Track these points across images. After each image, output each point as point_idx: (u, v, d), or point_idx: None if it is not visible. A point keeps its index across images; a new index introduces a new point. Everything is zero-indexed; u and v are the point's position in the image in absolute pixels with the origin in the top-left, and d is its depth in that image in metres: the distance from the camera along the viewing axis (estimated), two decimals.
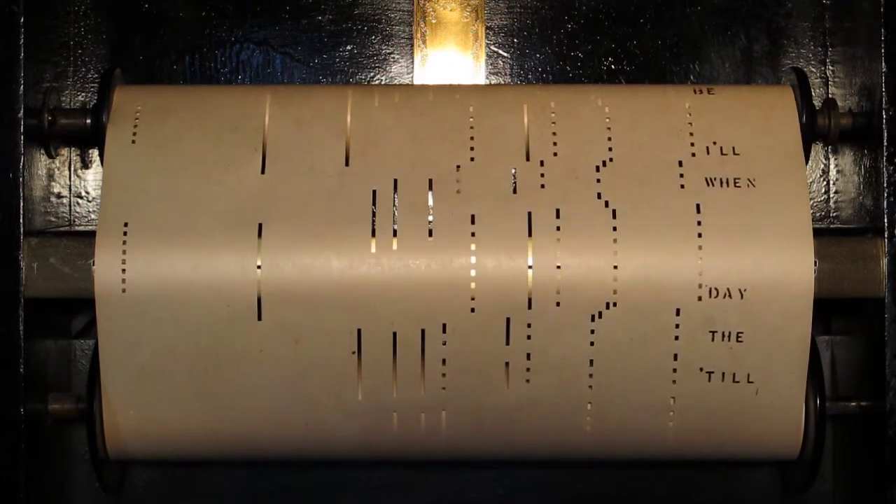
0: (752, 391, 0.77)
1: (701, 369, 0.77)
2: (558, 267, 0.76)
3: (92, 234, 0.77)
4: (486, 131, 0.78)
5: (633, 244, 0.76)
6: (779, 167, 0.78)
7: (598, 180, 0.77)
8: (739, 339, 0.76)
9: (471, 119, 0.79)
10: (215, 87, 0.85)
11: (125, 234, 0.76)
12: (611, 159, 0.78)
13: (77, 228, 0.87)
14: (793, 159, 0.78)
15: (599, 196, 0.77)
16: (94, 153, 0.87)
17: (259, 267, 0.76)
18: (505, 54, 0.89)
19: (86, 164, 0.87)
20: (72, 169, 0.87)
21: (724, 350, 0.77)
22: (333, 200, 0.77)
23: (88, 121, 0.80)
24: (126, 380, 0.77)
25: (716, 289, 0.76)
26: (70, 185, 0.87)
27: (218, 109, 0.79)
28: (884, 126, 0.77)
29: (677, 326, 0.77)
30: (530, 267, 0.76)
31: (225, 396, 0.77)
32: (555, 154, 0.78)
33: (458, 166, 0.77)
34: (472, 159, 0.78)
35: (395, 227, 0.77)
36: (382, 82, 0.89)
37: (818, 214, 0.88)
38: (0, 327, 0.75)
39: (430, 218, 0.77)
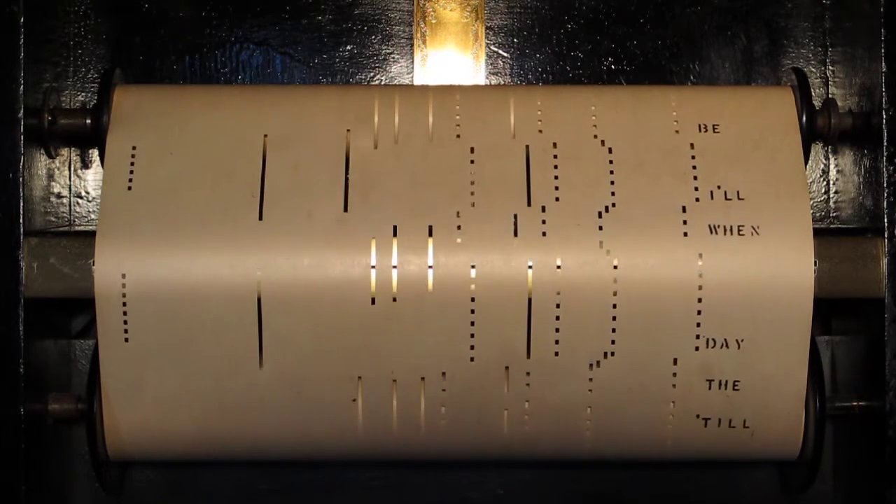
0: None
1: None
2: (557, 318, 0.76)
3: (92, 234, 0.77)
4: (487, 175, 0.77)
5: (633, 294, 0.76)
6: (784, 213, 0.77)
7: (601, 227, 0.77)
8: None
9: (472, 163, 0.78)
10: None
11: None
12: (613, 205, 0.77)
13: (77, 228, 0.87)
14: (798, 202, 0.77)
15: (601, 245, 0.76)
16: (94, 153, 0.87)
17: (260, 311, 0.76)
18: (505, 54, 0.89)
19: (86, 164, 0.87)
20: (72, 169, 0.87)
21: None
22: (333, 249, 0.76)
23: (88, 121, 0.80)
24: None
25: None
26: (70, 185, 0.87)
27: (215, 151, 0.78)
28: (884, 126, 0.77)
29: (675, 372, 0.77)
30: (529, 316, 0.77)
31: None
32: (556, 199, 0.77)
33: (459, 212, 0.77)
34: (472, 205, 0.77)
35: (395, 276, 0.76)
36: (382, 82, 0.89)
37: (818, 214, 0.88)
38: (0, 327, 0.75)
39: (430, 265, 0.76)
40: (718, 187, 0.77)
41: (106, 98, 0.80)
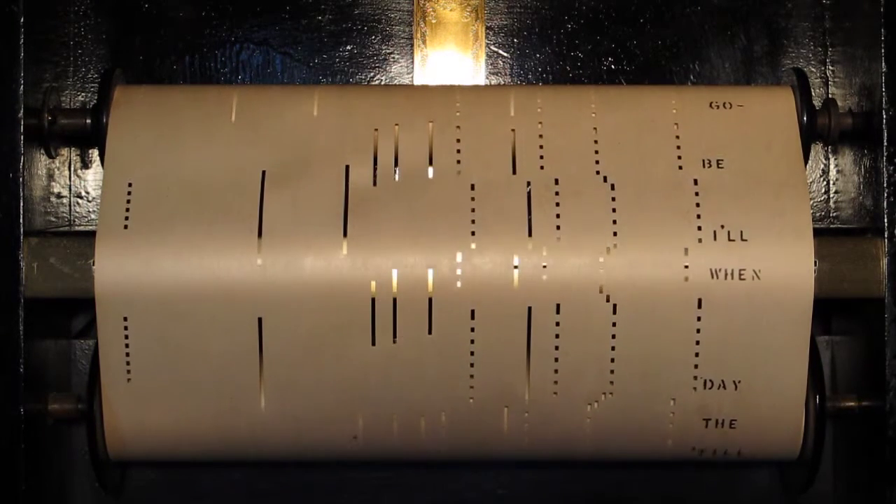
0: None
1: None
2: (556, 360, 0.77)
3: (92, 234, 0.77)
4: (488, 213, 0.77)
5: (631, 334, 0.76)
6: (787, 257, 0.76)
7: (602, 271, 0.76)
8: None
9: (472, 199, 0.77)
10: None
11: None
12: (615, 245, 0.76)
13: (77, 228, 0.87)
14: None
15: (601, 289, 0.76)
16: (94, 153, 0.87)
17: (261, 351, 0.76)
18: (505, 54, 0.89)
19: (86, 164, 0.87)
20: (72, 169, 0.87)
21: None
22: (332, 290, 0.76)
23: (88, 121, 0.80)
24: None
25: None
26: (70, 185, 0.87)
27: (213, 187, 0.77)
28: (884, 126, 0.77)
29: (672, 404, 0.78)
30: (529, 358, 0.77)
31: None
32: (558, 239, 0.76)
33: (459, 253, 0.76)
34: (472, 245, 0.76)
35: (396, 321, 0.76)
36: (382, 82, 0.89)
37: (818, 214, 0.88)
38: (0, 327, 0.75)
39: (430, 308, 0.76)
40: (722, 227, 0.76)
41: (106, 98, 0.80)
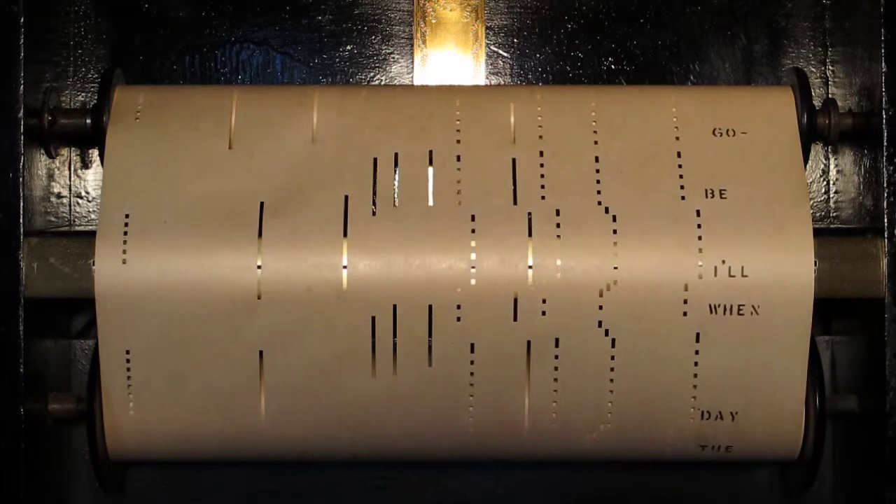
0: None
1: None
2: (555, 391, 0.77)
3: (92, 234, 0.77)
4: (488, 247, 0.76)
5: (630, 367, 0.77)
6: (785, 298, 0.76)
7: (601, 307, 0.76)
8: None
9: (472, 232, 0.76)
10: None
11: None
12: (615, 282, 0.76)
13: (77, 228, 0.87)
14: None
15: (600, 324, 0.76)
16: (94, 153, 0.87)
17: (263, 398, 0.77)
18: (505, 54, 0.89)
19: (86, 164, 0.87)
20: (72, 169, 0.87)
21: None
22: (333, 326, 0.76)
23: (88, 121, 0.80)
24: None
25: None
26: (70, 185, 0.87)
27: (211, 221, 0.76)
28: (884, 126, 0.77)
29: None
30: (528, 391, 0.77)
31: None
32: (557, 274, 0.76)
33: (459, 290, 0.76)
34: (472, 282, 0.76)
35: (396, 353, 0.77)
36: (382, 82, 0.89)
37: (818, 214, 0.88)
38: (0, 327, 0.75)
39: (430, 341, 0.77)
40: (723, 262, 0.76)
41: (106, 98, 0.80)
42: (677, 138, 0.78)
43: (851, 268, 0.78)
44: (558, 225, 0.76)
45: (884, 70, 0.77)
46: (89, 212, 0.87)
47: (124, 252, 0.76)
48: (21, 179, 0.75)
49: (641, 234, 0.76)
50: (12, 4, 0.75)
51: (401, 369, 0.77)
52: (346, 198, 0.77)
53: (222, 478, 0.89)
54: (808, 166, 0.82)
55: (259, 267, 0.75)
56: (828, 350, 0.86)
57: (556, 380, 0.77)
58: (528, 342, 0.76)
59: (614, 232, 0.76)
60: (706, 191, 0.77)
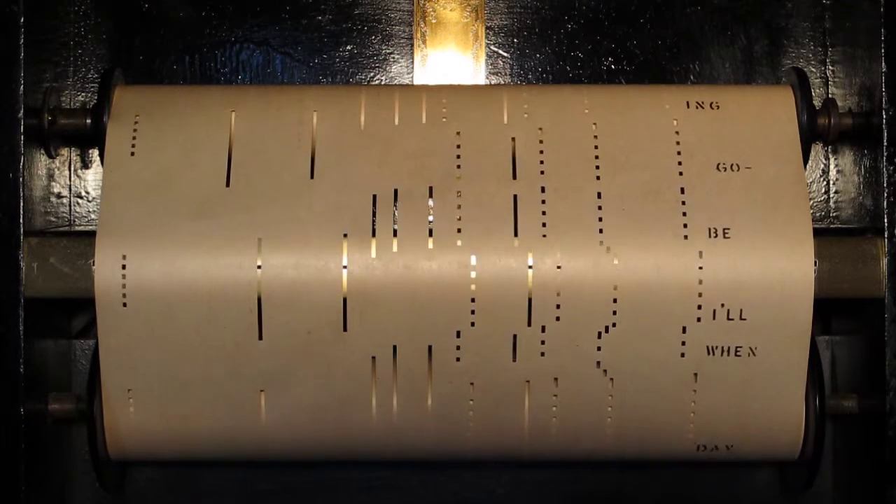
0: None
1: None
2: (553, 429, 0.78)
3: (92, 234, 0.77)
4: (488, 292, 0.75)
5: (627, 405, 0.77)
6: (783, 337, 0.76)
7: (599, 348, 0.76)
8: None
9: (472, 277, 0.76)
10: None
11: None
12: (614, 324, 0.76)
13: (77, 228, 0.87)
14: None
15: (599, 364, 0.76)
16: (94, 153, 0.87)
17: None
18: (505, 54, 0.89)
19: (86, 164, 0.87)
20: (72, 169, 0.87)
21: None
22: (333, 369, 0.76)
23: (88, 121, 0.80)
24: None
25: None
26: (70, 185, 0.87)
27: (211, 270, 0.76)
28: (884, 126, 0.77)
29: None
30: (526, 427, 0.78)
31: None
32: (557, 319, 0.76)
33: (458, 332, 0.76)
34: (472, 324, 0.76)
35: (396, 392, 0.77)
36: (382, 82, 0.89)
37: (818, 214, 0.88)
38: (0, 327, 0.75)
39: (430, 381, 0.77)
40: (722, 305, 0.76)
41: (106, 98, 0.80)
42: (681, 173, 0.77)
43: (851, 268, 0.78)
44: (559, 267, 0.76)
45: (884, 70, 0.77)
46: (89, 212, 0.87)
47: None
48: (21, 179, 0.75)
49: (641, 276, 0.75)
50: (12, 4, 0.75)
51: (400, 408, 0.77)
52: (345, 236, 0.76)
53: (222, 478, 0.89)
54: (808, 166, 0.82)
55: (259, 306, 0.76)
56: (828, 350, 0.86)
57: (554, 418, 0.78)
58: (528, 381, 0.77)
59: (614, 273, 0.76)
60: (709, 230, 0.76)
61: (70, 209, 0.87)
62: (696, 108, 0.79)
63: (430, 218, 0.76)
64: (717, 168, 0.77)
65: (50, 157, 0.81)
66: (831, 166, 0.88)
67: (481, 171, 0.77)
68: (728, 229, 0.76)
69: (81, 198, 0.88)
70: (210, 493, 0.89)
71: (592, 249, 0.75)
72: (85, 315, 0.85)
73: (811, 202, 0.84)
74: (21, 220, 0.75)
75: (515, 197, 0.76)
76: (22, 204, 0.75)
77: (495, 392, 0.77)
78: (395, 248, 0.76)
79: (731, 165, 0.77)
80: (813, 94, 0.81)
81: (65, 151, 0.85)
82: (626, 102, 0.80)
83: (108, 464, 0.81)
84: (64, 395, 0.81)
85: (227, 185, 0.77)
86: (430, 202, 0.77)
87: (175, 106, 0.79)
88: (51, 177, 0.82)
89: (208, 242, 0.75)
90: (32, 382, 0.77)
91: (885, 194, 0.77)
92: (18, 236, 0.75)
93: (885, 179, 0.77)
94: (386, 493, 0.89)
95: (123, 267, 0.76)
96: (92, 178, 0.88)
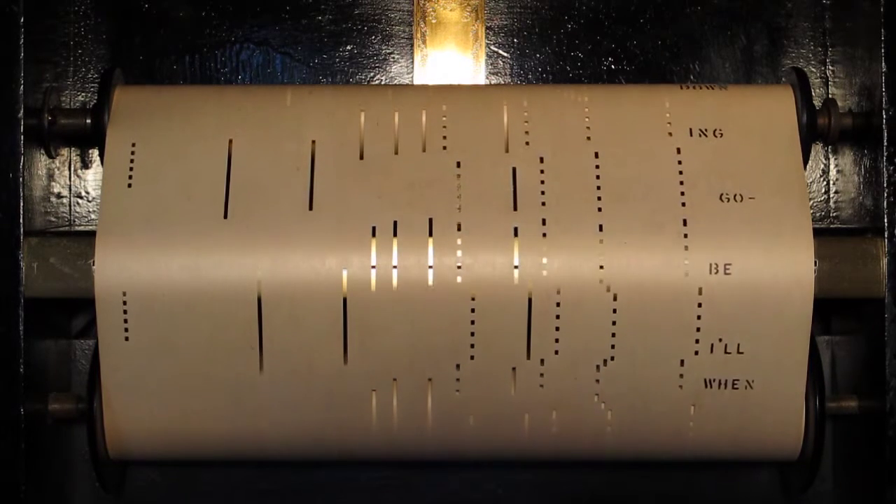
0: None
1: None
2: (553, 456, 0.79)
3: (92, 234, 0.77)
4: (488, 325, 0.75)
5: (625, 433, 0.78)
6: (779, 366, 0.77)
7: (598, 380, 0.77)
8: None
9: (472, 311, 0.76)
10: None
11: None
12: (612, 358, 0.76)
13: (77, 228, 0.87)
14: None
15: (597, 396, 0.77)
16: (94, 153, 0.87)
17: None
18: (505, 54, 0.89)
19: (86, 164, 0.87)
20: (72, 169, 0.87)
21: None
22: (334, 401, 0.77)
23: (88, 121, 0.80)
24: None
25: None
26: (70, 185, 0.87)
27: (211, 303, 0.76)
28: (884, 126, 0.77)
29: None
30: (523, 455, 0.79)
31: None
32: (556, 352, 0.76)
33: (458, 365, 0.76)
34: (472, 357, 0.76)
35: (395, 418, 0.77)
36: (382, 82, 0.89)
37: (818, 214, 0.88)
38: (0, 327, 0.75)
39: (430, 411, 0.77)
40: (720, 340, 0.76)
41: (106, 98, 0.80)
42: (683, 204, 0.77)
43: (851, 268, 0.78)
44: (558, 304, 0.75)
45: (884, 70, 0.77)
46: (89, 212, 0.87)
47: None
48: (21, 179, 0.75)
49: (640, 312, 0.75)
50: (12, 4, 0.75)
51: (399, 429, 0.78)
52: (345, 272, 0.76)
53: (222, 478, 0.89)
54: (808, 166, 0.82)
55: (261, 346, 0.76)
56: (828, 350, 0.86)
57: (552, 444, 0.78)
58: (526, 413, 0.77)
59: (614, 311, 0.76)
60: (710, 265, 0.75)
61: (70, 209, 0.87)
62: (700, 136, 0.78)
63: (430, 250, 0.76)
64: (721, 199, 0.76)
65: (50, 157, 0.81)
66: (831, 166, 0.88)
67: (482, 203, 0.76)
68: (729, 265, 0.75)
69: (81, 198, 0.88)
70: (210, 493, 0.89)
71: (592, 284, 0.75)
72: (85, 315, 0.85)
73: (811, 202, 0.84)
74: (21, 220, 0.75)
75: (516, 229, 0.76)
76: (22, 204, 0.75)
77: (494, 422, 0.78)
78: (394, 282, 0.75)
79: (735, 196, 0.76)
80: (813, 94, 0.81)
81: (65, 151, 0.85)
82: (628, 128, 0.79)
83: (108, 464, 0.81)
84: (64, 395, 0.81)
85: (225, 217, 0.76)
86: (430, 234, 0.76)
87: (172, 132, 0.78)
88: (51, 177, 0.82)
89: (206, 278, 0.75)
90: (32, 382, 0.77)
91: (885, 194, 0.77)
92: (18, 236, 0.75)
93: (885, 179, 0.77)
94: (386, 493, 0.89)
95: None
96: (92, 178, 0.88)
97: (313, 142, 0.78)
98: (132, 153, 0.78)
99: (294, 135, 0.78)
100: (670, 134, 0.78)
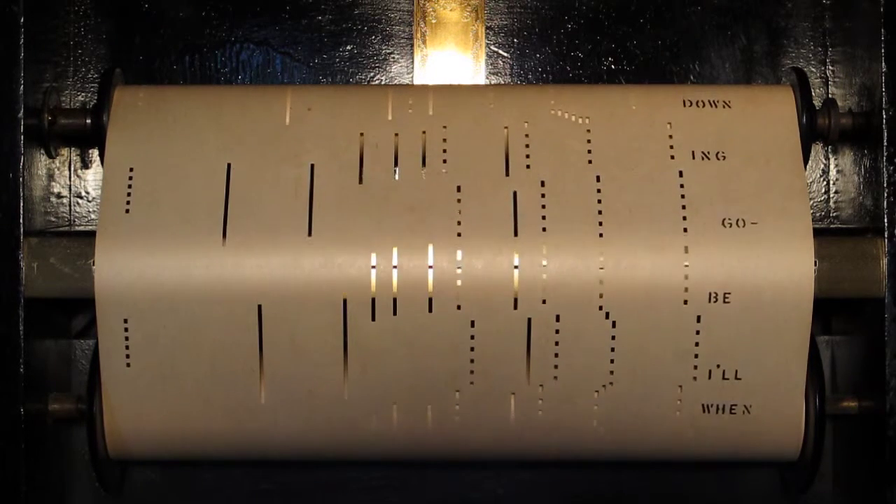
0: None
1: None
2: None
3: (92, 234, 0.77)
4: (487, 351, 0.76)
5: (622, 453, 0.79)
6: (777, 390, 0.77)
7: (596, 406, 0.77)
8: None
9: (472, 338, 0.76)
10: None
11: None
12: (611, 383, 0.76)
13: (77, 228, 0.87)
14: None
15: (595, 422, 0.77)
16: (94, 153, 0.87)
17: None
18: (505, 54, 0.89)
19: (86, 164, 0.87)
20: (72, 169, 0.87)
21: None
22: (335, 427, 0.77)
23: (88, 121, 0.80)
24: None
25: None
26: (70, 185, 0.87)
27: (211, 327, 0.76)
28: (884, 126, 0.77)
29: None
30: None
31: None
32: (555, 378, 0.76)
33: (458, 391, 0.77)
34: (471, 383, 0.76)
35: (395, 446, 0.78)
36: (382, 82, 0.89)
37: (818, 214, 0.88)
38: (0, 327, 0.75)
39: (430, 438, 0.78)
40: (718, 366, 0.76)
41: (106, 98, 0.80)
42: (685, 230, 0.76)
43: (851, 268, 0.78)
44: (557, 331, 0.76)
45: (884, 70, 0.77)
46: (89, 212, 0.87)
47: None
48: (21, 179, 0.75)
49: (639, 339, 0.76)
50: (12, 4, 0.75)
51: (399, 444, 0.78)
52: (345, 301, 0.75)
53: (222, 478, 0.89)
54: (808, 166, 0.82)
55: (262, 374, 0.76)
56: (828, 350, 0.86)
57: (550, 460, 0.80)
58: (523, 442, 0.78)
59: (612, 338, 0.76)
60: (710, 294, 0.75)
61: (70, 209, 0.87)
62: (703, 159, 0.77)
63: (430, 277, 0.76)
64: (723, 224, 0.76)
65: (50, 157, 0.81)
66: (831, 166, 0.88)
67: (482, 227, 0.76)
68: (728, 294, 0.75)
69: (81, 198, 0.88)
70: (210, 493, 0.89)
71: (592, 313, 0.75)
72: (85, 315, 0.85)
73: (811, 202, 0.84)
74: (21, 220, 0.75)
75: (517, 256, 0.76)
76: (22, 204, 0.75)
77: (492, 449, 0.79)
78: (394, 311, 0.75)
79: (737, 221, 0.76)
80: (813, 94, 0.81)
81: (65, 151, 0.85)
82: (630, 150, 0.78)
83: (108, 464, 0.81)
84: (64, 395, 0.81)
85: (224, 242, 0.76)
86: (430, 261, 0.76)
87: (170, 157, 0.78)
88: (51, 177, 0.82)
89: (204, 303, 0.76)
90: (32, 382, 0.77)
91: (885, 194, 0.77)
92: (18, 236, 0.75)
93: (885, 179, 0.77)
94: (386, 493, 0.89)
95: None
96: (92, 179, 0.88)
97: (312, 165, 0.77)
98: (130, 178, 0.77)
99: (293, 158, 0.77)
100: (672, 157, 0.78)
